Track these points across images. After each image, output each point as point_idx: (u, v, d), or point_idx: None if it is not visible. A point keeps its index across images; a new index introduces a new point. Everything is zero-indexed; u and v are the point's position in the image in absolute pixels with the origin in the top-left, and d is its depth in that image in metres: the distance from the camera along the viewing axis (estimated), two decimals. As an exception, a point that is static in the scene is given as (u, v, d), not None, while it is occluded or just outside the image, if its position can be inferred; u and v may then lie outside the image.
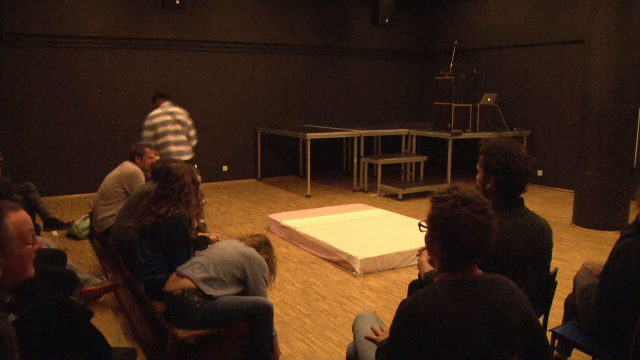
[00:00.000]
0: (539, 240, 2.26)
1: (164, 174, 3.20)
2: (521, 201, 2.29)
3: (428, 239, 1.67)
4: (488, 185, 2.25)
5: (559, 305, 3.00)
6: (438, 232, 1.61)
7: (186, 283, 2.80)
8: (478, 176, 2.34)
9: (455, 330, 1.51)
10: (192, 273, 2.82)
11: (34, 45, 7.53)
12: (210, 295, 2.78)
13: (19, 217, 1.62)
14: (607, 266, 2.42)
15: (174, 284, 2.84)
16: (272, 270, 3.21)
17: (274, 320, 3.74)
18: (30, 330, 2.12)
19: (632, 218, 2.56)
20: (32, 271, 1.68)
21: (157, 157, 4.80)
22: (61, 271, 3.38)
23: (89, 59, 7.93)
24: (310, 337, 3.50)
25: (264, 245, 3.18)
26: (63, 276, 3.29)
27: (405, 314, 1.57)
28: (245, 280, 2.93)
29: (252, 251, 3.02)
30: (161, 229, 3.03)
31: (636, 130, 5.89)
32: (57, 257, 3.59)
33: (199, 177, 3.38)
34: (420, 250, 2.58)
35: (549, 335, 2.16)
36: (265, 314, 2.85)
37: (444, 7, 10.54)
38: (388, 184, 8.11)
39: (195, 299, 2.76)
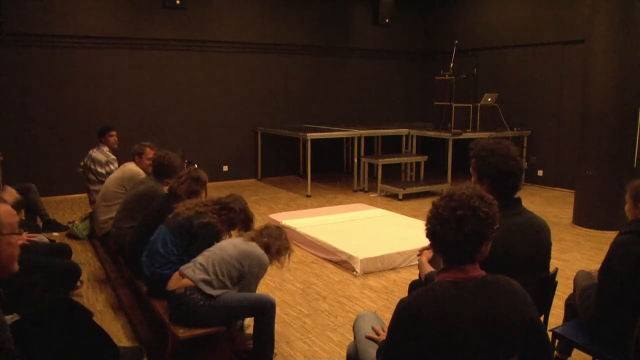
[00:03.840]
0: (538, 239, 2.26)
1: (174, 193, 3.46)
2: (518, 200, 2.29)
3: (430, 235, 1.67)
4: (482, 188, 2.24)
5: (559, 305, 3.00)
6: (437, 225, 1.62)
7: (188, 282, 2.81)
8: (472, 179, 2.33)
9: (453, 331, 1.51)
10: (192, 274, 2.83)
11: (33, 45, 7.52)
12: (211, 295, 2.79)
13: (7, 208, 1.77)
14: (605, 262, 2.44)
15: (177, 283, 2.84)
16: (287, 249, 3.14)
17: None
18: (32, 330, 2.13)
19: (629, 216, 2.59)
20: (16, 266, 1.78)
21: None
22: (65, 263, 3.40)
23: (89, 59, 7.93)
24: (310, 337, 3.50)
25: (272, 241, 3.07)
26: (67, 268, 3.31)
27: (402, 313, 1.58)
28: (242, 276, 2.91)
29: (251, 248, 2.97)
30: (195, 230, 3.08)
31: (636, 130, 5.89)
32: (64, 250, 3.61)
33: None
34: (421, 251, 2.58)
35: (549, 335, 2.16)
36: (268, 310, 2.86)
37: (444, 7, 10.54)
38: (388, 184, 8.11)
39: (199, 297, 2.77)
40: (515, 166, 2.23)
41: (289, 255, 3.16)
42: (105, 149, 5.73)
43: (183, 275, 2.85)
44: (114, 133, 5.84)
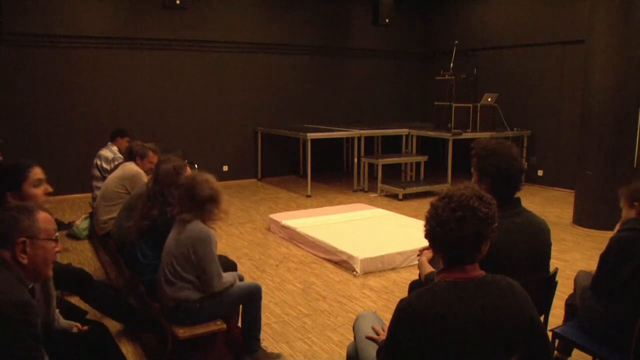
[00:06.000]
0: (538, 238, 2.26)
1: (154, 178, 3.23)
2: (518, 200, 2.29)
3: (429, 236, 1.67)
4: (482, 187, 2.25)
5: (559, 305, 3.00)
6: (436, 226, 1.61)
7: (172, 301, 2.82)
8: (473, 179, 2.33)
9: (453, 331, 1.51)
10: (164, 292, 2.81)
11: (33, 45, 7.52)
12: (202, 297, 2.81)
13: (46, 215, 1.87)
14: (602, 257, 2.50)
15: (163, 299, 2.86)
16: (216, 200, 2.81)
17: (274, 320, 3.76)
18: None
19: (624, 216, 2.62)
20: (50, 272, 1.88)
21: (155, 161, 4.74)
22: (72, 269, 3.37)
23: (89, 59, 7.93)
24: (310, 337, 3.50)
25: (206, 212, 2.80)
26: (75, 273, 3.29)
27: (402, 313, 1.58)
28: (193, 263, 2.77)
29: (187, 232, 2.76)
30: (160, 229, 3.04)
31: (636, 130, 5.89)
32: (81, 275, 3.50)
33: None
34: (421, 251, 2.57)
35: (549, 335, 2.16)
36: (257, 295, 2.96)
37: (444, 7, 10.54)
38: (388, 184, 8.11)
39: (192, 302, 2.80)
40: (517, 166, 2.24)
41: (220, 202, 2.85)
42: (115, 148, 5.75)
43: (163, 294, 2.85)
44: (127, 139, 5.85)
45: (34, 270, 1.79)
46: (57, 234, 1.91)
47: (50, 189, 2.69)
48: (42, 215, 1.84)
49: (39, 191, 2.63)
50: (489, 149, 2.27)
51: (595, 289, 2.53)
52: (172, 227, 2.90)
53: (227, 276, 2.90)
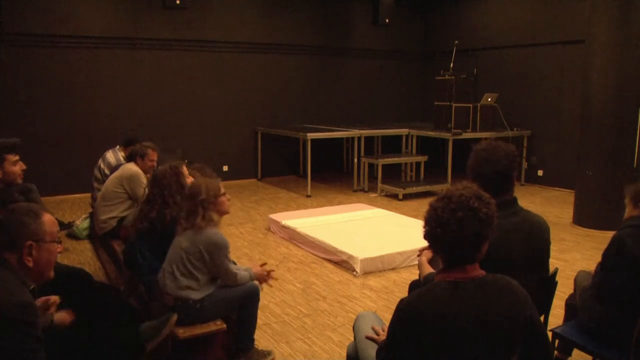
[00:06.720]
0: (537, 237, 2.26)
1: (152, 179, 3.26)
2: (514, 200, 2.28)
3: (429, 237, 1.67)
4: None
5: (559, 305, 3.00)
6: (436, 228, 1.61)
7: (171, 299, 2.82)
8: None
9: (453, 330, 1.51)
10: (165, 287, 2.83)
11: (33, 45, 7.52)
12: (202, 297, 2.81)
13: (50, 218, 1.89)
14: (605, 255, 2.51)
15: (163, 297, 2.87)
16: (216, 195, 2.90)
17: (274, 320, 3.77)
18: None
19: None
20: (52, 273, 1.90)
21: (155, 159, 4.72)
22: (74, 269, 3.36)
23: (89, 59, 7.93)
24: (310, 337, 3.51)
25: (214, 217, 2.88)
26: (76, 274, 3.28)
27: (402, 313, 1.58)
28: (208, 264, 2.84)
29: (202, 236, 2.83)
30: (158, 231, 3.04)
31: (636, 130, 5.89)
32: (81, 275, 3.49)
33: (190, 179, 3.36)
34: (421, 251, 2.57)
35: (549, 335, 2.16)
36: (256, 296, 2.99)
37: (444, 7, 10.53)
38: (388, 184, 8.11)
39: (192, 302, 2.80)
40: (496, 168, 2.22)
41: (219, 195, 2.93)
42: (122, 154, 5.61)
43: (164, 290, 2.86)
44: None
45: (38, 272, 1.82)
46: (59, 234, 1.93)
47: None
48: (47, 218, 1.86)
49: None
50: (474, 151, 2.30)
51: (597, 288, 2.53)
52: (179, 229, 2.92)
53: (243, 275, 2.98)
